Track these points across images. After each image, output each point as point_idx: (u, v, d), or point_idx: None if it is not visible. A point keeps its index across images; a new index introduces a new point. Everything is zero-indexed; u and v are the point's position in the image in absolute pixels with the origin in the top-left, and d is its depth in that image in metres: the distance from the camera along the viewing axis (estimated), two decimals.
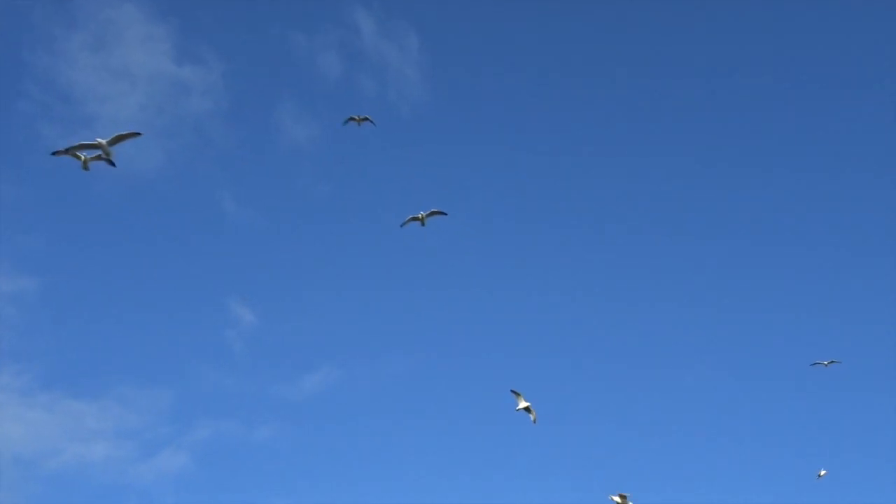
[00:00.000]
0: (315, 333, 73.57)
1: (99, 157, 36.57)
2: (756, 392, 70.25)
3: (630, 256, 75.45)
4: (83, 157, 36.41)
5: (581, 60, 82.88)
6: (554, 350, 72.83)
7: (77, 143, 36.27)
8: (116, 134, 35.87)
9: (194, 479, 66.75)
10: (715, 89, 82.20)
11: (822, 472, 47.86)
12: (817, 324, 73.14)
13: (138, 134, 35.99)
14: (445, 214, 42.49)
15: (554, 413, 61.40)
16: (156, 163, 76.61)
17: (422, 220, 43.01)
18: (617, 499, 40.30)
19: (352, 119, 44.75)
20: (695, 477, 65.48)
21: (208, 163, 78.31)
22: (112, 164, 36.60)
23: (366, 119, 44.61)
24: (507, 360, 71.70)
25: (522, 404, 42.12)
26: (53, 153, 36.25)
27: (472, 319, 74.52)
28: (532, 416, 42.26)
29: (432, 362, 72.48)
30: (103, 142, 35.89)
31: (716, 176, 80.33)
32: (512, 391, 42.10)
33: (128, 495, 65.16)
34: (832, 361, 45.21)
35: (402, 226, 42.69)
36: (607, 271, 75.54)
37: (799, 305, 74.42)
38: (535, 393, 63.43)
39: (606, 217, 77.06)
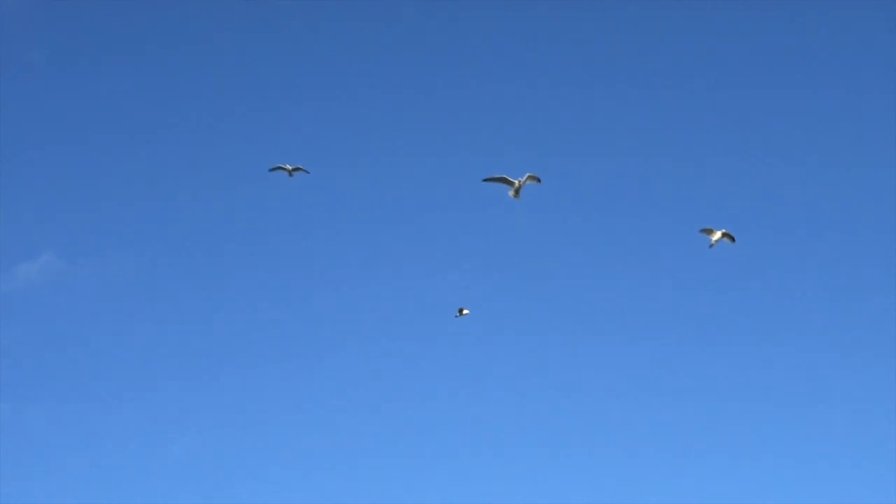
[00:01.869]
0: (33, 219, 63.11)
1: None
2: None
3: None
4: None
5: None
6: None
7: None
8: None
9: None
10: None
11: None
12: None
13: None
14: None
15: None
16: None
17: None
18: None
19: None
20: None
21: None
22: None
23: (298, 169, 40.64)
24: (250, 253, 62.44)
25: (464, 312, 40.87)
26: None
27: (213, 214, 63.74)
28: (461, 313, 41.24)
29: (170, 257, 62.65)
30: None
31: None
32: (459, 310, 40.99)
33: None
34: (725, 234, 38.97)
35: None
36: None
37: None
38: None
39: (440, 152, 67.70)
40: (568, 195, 67.72)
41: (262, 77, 68.67)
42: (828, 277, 65.90)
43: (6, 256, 62.17)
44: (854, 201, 68.40)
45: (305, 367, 61.43)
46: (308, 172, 40.20)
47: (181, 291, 63.80)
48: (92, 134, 67.43)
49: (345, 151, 66.94)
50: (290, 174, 40.22)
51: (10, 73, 66.47)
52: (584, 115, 72.11)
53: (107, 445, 56.95)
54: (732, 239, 38.95)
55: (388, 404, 61.28)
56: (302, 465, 57.96)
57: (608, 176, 69.12)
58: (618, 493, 55.53)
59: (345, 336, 63.22)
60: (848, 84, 70.73)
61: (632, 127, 71.20)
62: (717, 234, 38.65)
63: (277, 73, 68.97)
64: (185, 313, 63.09)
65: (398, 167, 67.40)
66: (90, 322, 62.05)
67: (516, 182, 36.00)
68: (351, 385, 61.25)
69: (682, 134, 71.39)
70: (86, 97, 69.26)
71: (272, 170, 40.26)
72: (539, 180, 36.50)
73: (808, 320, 64.19)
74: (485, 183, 36.28)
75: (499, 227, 64.02)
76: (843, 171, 70.25)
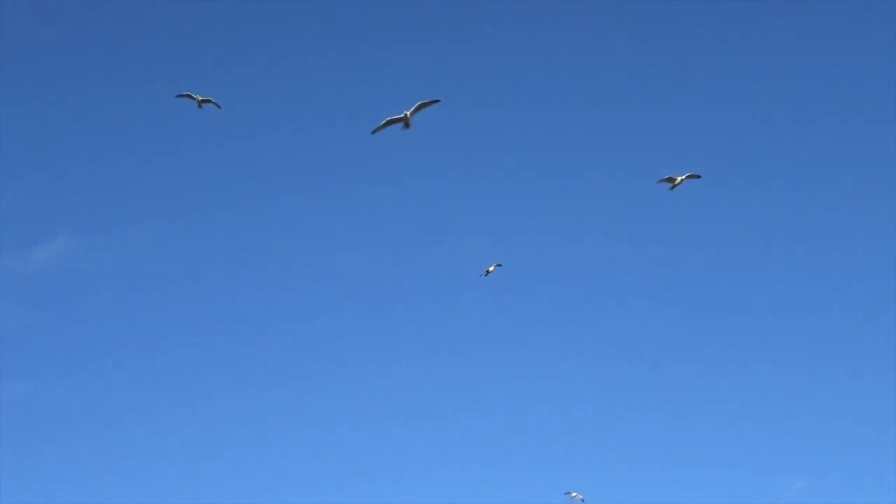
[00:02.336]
0: (46, 200, 67.93)
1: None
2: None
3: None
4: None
5: None
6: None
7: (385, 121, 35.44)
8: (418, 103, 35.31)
9: None
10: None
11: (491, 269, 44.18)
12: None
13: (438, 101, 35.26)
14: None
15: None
16: None
17: None
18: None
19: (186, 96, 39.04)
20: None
21: None
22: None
23: (208, 101, 38.97)
24: (261, 232, 67.59)
25: (491, 268, 43.07)
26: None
27: (223, 188, 69.60)
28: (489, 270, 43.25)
29: (181, 229, 67.88)
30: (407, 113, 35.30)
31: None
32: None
33: None
34: (689, 176, 38.83)
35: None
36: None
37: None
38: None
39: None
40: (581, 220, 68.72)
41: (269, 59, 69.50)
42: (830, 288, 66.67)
43: (23, 239, 63.92)
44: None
45: (315, 338, 62.34)
46: (220, 107, 38.56)
47: (193, 265, 65.15)
48: (97, 115, 70.60)
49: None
50: (199, 105, 38.35)
51: (16, 61, 67.92)
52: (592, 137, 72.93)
53: (123, 421, 58.40)
54: (698, 176, 38.81)
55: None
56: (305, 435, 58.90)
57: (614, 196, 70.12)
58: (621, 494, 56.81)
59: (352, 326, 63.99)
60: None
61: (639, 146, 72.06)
62: (679, 179, 38.49)
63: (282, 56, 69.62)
64: (197, 287, 64.39)
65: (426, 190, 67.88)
66: (106, 299, 63.53)
67: (403, 115, 35.06)
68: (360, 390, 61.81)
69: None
70: (90, 82, 71.82)
71: (178, 96, 38.23)
72: (433, 102, 34.87)
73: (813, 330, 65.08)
74: (375, 134, 35.10)
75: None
76: (845, 169, 71.23)
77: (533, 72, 73.65)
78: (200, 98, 38.30)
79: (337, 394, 61.54)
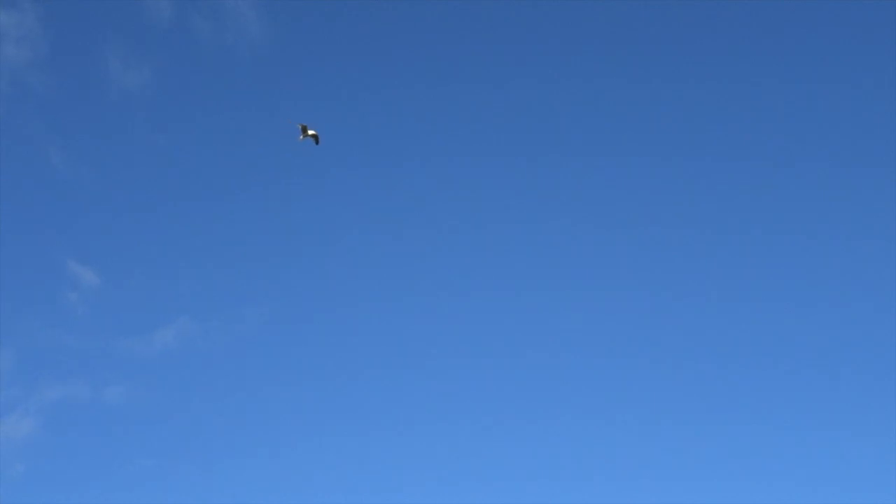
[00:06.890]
0: (165, 287, 66.14)
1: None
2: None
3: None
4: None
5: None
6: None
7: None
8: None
9: (45, 444, 59.74)
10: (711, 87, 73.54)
11: None
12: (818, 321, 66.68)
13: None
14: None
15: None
16: None
17: None
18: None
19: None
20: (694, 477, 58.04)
21: (30, 115, 69.32)
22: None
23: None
24: (374, 309, 65.11)
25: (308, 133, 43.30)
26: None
27: (336, 268, 66.80)
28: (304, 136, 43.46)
29: (296, 313, 65.73)
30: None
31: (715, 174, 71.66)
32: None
33: None
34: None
35: None
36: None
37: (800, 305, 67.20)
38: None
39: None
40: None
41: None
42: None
43: (143, 325, 63.34)
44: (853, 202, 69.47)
45: (431, 429, 60.69)
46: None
47: (307, 346, 63.81)
48: (215, 203, 68.35)
49: None
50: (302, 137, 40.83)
51: (133, 145, 68.57)
52: (587, 120, 73.40)
53: (245, 498, 56.66)
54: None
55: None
56: None
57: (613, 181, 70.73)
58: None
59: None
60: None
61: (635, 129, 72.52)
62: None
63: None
64: (313, 367, 62.70)
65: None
66: (225, 382, 62.48)
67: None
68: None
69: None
70: (201, 161, 70.61)
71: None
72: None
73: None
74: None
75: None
76: (844, 172, 71.45)
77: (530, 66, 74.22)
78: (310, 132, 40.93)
79: None
